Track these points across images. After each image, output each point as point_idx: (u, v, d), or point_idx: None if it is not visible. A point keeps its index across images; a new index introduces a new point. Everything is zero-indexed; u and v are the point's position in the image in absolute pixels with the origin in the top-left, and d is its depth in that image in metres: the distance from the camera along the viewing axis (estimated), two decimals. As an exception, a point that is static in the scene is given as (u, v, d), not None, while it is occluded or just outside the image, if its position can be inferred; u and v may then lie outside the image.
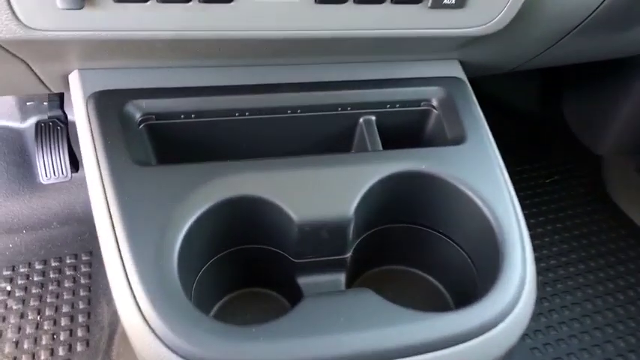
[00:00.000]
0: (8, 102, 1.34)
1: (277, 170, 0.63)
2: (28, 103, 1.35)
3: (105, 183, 0.61)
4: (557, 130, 1.79)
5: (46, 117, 1.33)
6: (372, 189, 0.65)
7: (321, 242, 0.64)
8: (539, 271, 1.36)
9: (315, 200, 0.63)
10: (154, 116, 0.69)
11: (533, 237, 1.42)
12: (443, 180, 0.67)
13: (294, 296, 0.66)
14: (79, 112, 0.68)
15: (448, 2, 0.60)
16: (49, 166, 1.26)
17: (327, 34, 0.61)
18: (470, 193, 0.66)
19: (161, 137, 0.70)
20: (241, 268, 0.69)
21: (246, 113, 0.72)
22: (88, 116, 0.67)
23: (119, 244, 0.57)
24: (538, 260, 1.37)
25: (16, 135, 1.35)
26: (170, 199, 0.59)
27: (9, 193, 1.35)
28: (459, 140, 0.71)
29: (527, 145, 1.76)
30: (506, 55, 0.85)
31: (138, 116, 0.68)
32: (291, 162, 0.65)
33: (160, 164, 0.68)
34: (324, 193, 0.63)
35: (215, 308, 0.69)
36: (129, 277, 0.55)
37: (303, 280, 0.67)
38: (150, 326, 0.52)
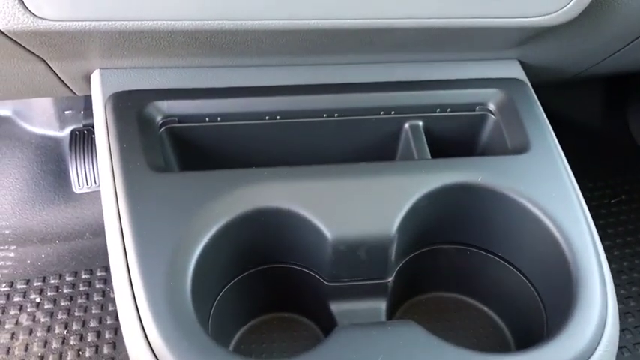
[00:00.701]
0: (47, 111, 1.35)
1: (309, 180, 0.56)
2: (66, 112, 1.35)
3: (118, 190, 0.55)
4: (622, 145, 1.64)
5: (81, 125, 1.32)
6: (418, 204, 0.56)
7: (359, 264, 0.56)
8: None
9: (352, 215, 0.54)
10: (176, 119, 0.63)
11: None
12: (503, 194, 0.57)
13: (327, 324, 0.57)
14: (97, 113, 0.63)
15: (512, -16, 0.51)
16: (82, 176, 1.25)
17: (369, 24, 0.53)
18: (536, 211, 0.56)
19: (183, 142, 0.64)
20: (267, 290, 0.61)
21: (278, 117, 0.64)
22: (106, 118, 0.61)
23: (128, 260, 0.50)
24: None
25: (53, 143, 1.35)
26: (186, 210, 0.52)
27: (45, 203, 1.35)
28: (521, 149, 0.61)
29: (589, 161, 1.62)
30: (572, 55, 0.74)
31: (159, 119, 0.62)
32: (325, 170, 0.57)
33: (178, 171, 0.62)
34: (362, 207, 0.55)
35: (237, 336, 0.61)
36: (137, 299, 0.48)
37: (336, 307, 0.58)
38: (157, 358, 0.45)
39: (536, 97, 0.68)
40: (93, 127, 1.29)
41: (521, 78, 0.70)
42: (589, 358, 0.48)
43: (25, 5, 0.49)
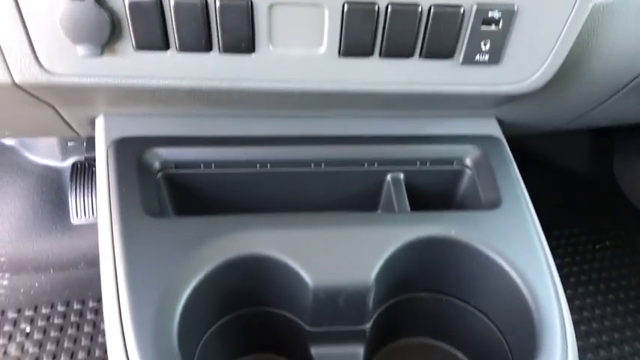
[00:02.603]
0: (51, 141, 1.38)
1: (292, 228, 0.60)
2: (69, 144, 1.38)
3: (114, 232, 0.59)
4: (608, 191, 1.68)
5: (83, 158, 1.36)
6: (395, 254, 0.60)
7: (338, 310, 0.59)
8: (590, 349, 1.24)
9: (332, 263, 0.58)
10: (173, 165, 0.67)
11: (581, 308, 1.31)
12: (474, 248, 0.61)
13: None
14: (100, 158, 0.67)
15: (481, 59, 0.56)
16: (81, 207, 1.28)
17: (352, 88, 0.58)
18: (504, 264, 0.60)
19: (179, 187, 0.68)
20: (250, 332, 0.64)
21: (268, 165, 0.69)
22: (107, 162, 0.66)
23: (120, 299, 0.54)
24: (588, 335, 1.25)
25: (55, 174, 1.38)
26: (176, 255, 0.56)
27: (42, 231, 1.37)
28: (493, 204, 0.65)
29: (575, 206, 1.65)
30: (547, 114, 0.79)
31: (157, 165, 0.67)
32: (308, 219, 0.61)
33: (172, 216, 0.66)
34: (343, 255, 0.59)
35: (221, 374, 0.64)
36: (126, 339, 0.51)
37: (317, 351, 0.61)
38: None
39: (510, 155, 0.73)
40: (94, 160, 1.33)
41: (497, 135, 0.75)
42: None
43: (39, 62, 0.54)
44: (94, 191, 1.29)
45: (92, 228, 1.36)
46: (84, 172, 1.33)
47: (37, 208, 1.36)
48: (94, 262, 1.34)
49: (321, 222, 0.60)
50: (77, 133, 0.79)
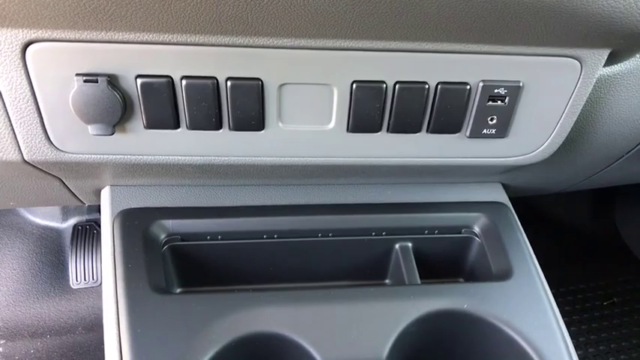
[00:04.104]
0: (51, 202, 1.37)
1: (301, 304, 0.58)
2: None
3: (120, 309, 0.57)
4: (611, 244, 1.67)
5: (84, 220, 1.35)
6: (407, 329, 0.58)
7: (349, 388, 0.57)
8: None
9: (343, 341, 0.56)
10: (179, 237, 0.67)
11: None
12: (487, 321, 0.60)
13: None
14: (105, 230, 0.67)
15: (488, 132, 0.57)
16: (81, 271, 1.26)
17: (360, 161, 0.59)
18: (517, 338, 0.59)
19: (185, 259, 0.67)
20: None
21: (275, 236, 0.68)
22: (113, 235, 0.65)
23: None
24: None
25: (55, 235, 1.37)
26: (184, 333, 0.54)
27: (39, 295, 1.34)
28: (504, 275, 0.64)
29: (580, 261, 1.64)
30: (552, 179, 0.80)
31: (162, 237, 0.66)
32: (316, 295, 0.59)
33: (178, 293, 0.65)
34: (353, 332, 0.57)
35: None
36: None
37: None
38: None
39: (517, 221, 0.72)
40: (96, 222, 1.32)
41: (503, 201, 0.75)
42: None
43: (50, 140, 0.55)
44: (95, 255, 1.27)
45: (91, 291, 1.33)
46: (85, 234, 1.32)
47: (36, 270, 1.34)
48: (92, 327, 1.31)
49: (331, 298, 0.59)
50: (82, 202, 0.79)
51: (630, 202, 1.67)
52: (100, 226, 1.28)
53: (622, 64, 0.59)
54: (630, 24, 0.47)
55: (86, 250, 1.28)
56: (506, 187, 0.78)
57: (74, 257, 1.29)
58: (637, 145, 0.73)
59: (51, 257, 1.37)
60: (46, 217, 1.38)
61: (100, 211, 1.28)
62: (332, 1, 0.42)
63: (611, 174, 0.83)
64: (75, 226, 1.34)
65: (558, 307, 0.63)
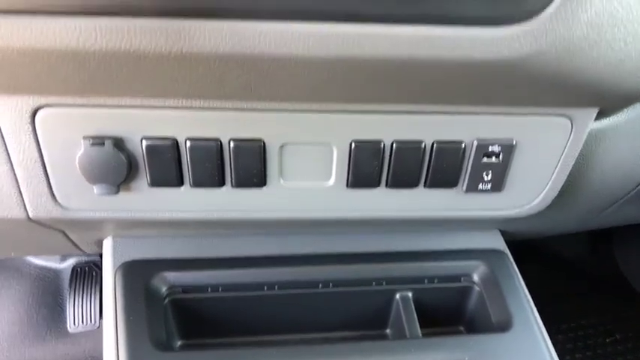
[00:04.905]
0: (49, 242, 1.36)
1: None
2: (69, 245, 1.36)
3: (121, 366, 0.57)
4: (611, 278, 1.66)
5: (83, 260, 1.34)
6: (408, 383, 0.58)
7: None
8: None
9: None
10: (180, 289, 0.67)
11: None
12: (489, 375, 0.60)
13: None
14: (107, 282, 0.67)
15: (484, 187, 0.58)
16: (79, 315, 1.24)
17: (360, 215, 0.60)
18: (520, 392, 0.59)
19: (186, 311, 0.68)
20: None
21: (276, 287, 0.69)
22: (115, 287, 0.65)
23: None
24: None
25: (53, 275, 1.36)
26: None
27: (35, 339, 1.32)
28: (504, 326, 0.65)
29: (580, 296, 1.63)
30: (548, 225, 0.81)
31: (164, 290, 0.66)
32: (319, 350, 0.60)
33: (179, 346, 0.65)
34: (355, 388, 0.57)
35: None
36: None
37: None
38: None
39: (516, 269, 0.73)
40: (95, 264, 1.32)
41: (501, 249, 0.75)
42: None
43: (55, 199, 0.56)
44: (93, 297, 1.26)
45: (88, 335, 1.31)
46: (84, 276, 1.31)
47: (32, 312, 1.32)
48: (89, 374, 1.29)
49: (333, 353, 0.59)
50: (83, 252, 0.80)
51: (628, 236, 1.68)
52: (99, 268, 1.28)
53: (610, 117, 0.61)
54: (622, 87, 0.49)
55: (85, 292, 1.27)
56: (503, 232, 0.79)
57: (72, 299, 1.27)
58: (630, 191, 0.75)
59: (48, 299, 1.36)
60: (42, 257, 1.37)
61: (100, 254, 1.28)
62: (332, 76, 0.44)
63: (607, 218, 0.84)
64: (74, 268, 1.33)
65: (559, 344, 0.63)
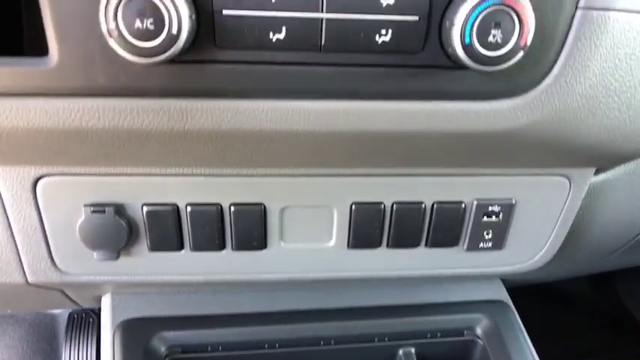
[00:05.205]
0: (48, 289, 1.34)
1: None
2: (66, 290, 1.35)
3: None
4: (615, 314, 1.64)
5: (80, 307, 1.32)
6: None
7: None
8: None
9: None
10: (180, 349, 0.66)
11: None
12: None
13: None
14: (105, 340, 0.66)
15: (485, 245, 0.58)
16: (75, 364, 1.22)
17: (361, 275, 0.60)
18: None
19: (186, 371, 0.66)
20: None
21: (277, 345, 0.68)
22: (114, 348, 0.64)
23: None
24: None
25: (48, 320, 1.33)
26: None
27: (30, 388, 1.29)
28: (509, 383, 0.64)
29: (585, 334, 1.60)
30: (550, 273, 0.80)
31: (163, 350, 0.65)
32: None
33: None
34: None
35: None
36: None
37: None
38: None
39: (519, 321, 0.72)
40: (93, 311, 1.30)
41: (504, 299, 0.75)
42: None
43: (55, 264, 0.55)
44: (90, 346, 1.24)
45: (83, 385, 1.28)
46: (81, 324, 1.29)
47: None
48: None
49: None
50: (81, 307, 0.79)
51: (631, 271, 1.66)
52: (96, 314, 1.26)
53: (608, 172, 0.62)
54: (619, 150, 0.50)
55: (82, 340, 1.24)
56: (505, 280, 0.78)
57: (69, 347, 1.25)
58: (630, 241, 0.75)
59: (43, 345, 1.33)
60: (40, 303, 1.35)
61: (99, 301, 1.26)
62: (332, 147, 0.45)
63: (609, 263, 0.84)
64: (71, 314, 1.31)
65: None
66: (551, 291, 1.65)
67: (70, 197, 0.51)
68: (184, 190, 0.51)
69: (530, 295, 0.76)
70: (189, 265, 0.56)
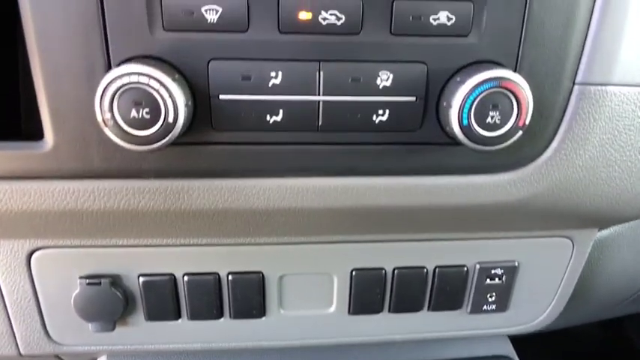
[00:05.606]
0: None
1: None
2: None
3: None
4: (623, 350, 1.60)
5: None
6: None
7: None
8: None
9: None
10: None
11: None
12: None
13: None
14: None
15: (488, 307, 0.57)
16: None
17: (362, 340, 0.58)
18: None
19: None
20: None
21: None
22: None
23: None
24: None
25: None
26: None
27: None
28: None
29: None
30: (555, 326, 0.79)
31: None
32: None
33: None
34: None
35: None
36: None
37: None
38: None
39: (526, 378, 0.70)
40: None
41: (509, 354, 0.73)
42: None
43: (49, 336, 0.54)
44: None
45: None
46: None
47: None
48: None
49: None
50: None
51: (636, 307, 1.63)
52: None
53: (611, 228, 0.61)
54: (620, 215, 0.49)
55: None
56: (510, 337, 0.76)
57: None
58: (637, 292, 0.74)
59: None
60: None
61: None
62: (331, 220, 0.44)
63: (615, 312, 0.83)
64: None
65: None
66: (555, 329, 1.61)
67: (64, 269, 0.50)
68: (181, 259, 0.50)
69: (536, 345, 0.74)
70: (186, 333, 0.55)
